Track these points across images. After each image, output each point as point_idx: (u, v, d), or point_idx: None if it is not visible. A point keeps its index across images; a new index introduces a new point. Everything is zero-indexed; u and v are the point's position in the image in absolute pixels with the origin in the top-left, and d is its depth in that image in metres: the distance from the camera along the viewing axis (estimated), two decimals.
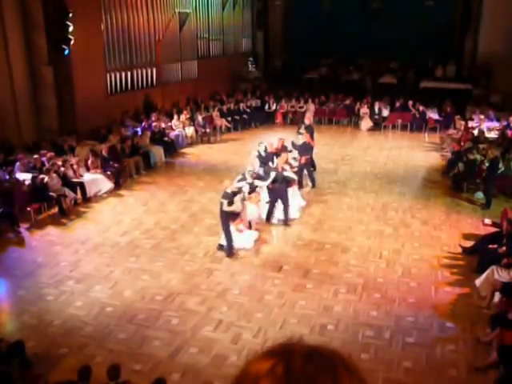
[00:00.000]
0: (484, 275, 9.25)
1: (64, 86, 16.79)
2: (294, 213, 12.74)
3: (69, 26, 16.15)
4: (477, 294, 9.22)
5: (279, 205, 12.39)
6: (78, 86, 16.98)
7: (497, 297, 8.72)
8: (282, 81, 26.96)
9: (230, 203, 10.61)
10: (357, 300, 9.15)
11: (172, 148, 18.63)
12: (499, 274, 9.04)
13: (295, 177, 13.05)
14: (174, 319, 8.63)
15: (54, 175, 13.42)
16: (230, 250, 10.85)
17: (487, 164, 14.04)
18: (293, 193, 12.90)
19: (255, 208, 12.07)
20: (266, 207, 12.50)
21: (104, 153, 15.13)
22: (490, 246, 10.23)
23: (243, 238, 11.14)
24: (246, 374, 1.11)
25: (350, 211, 13.25)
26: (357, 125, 22.47)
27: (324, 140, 20.58)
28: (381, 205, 13.61)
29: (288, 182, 12.55)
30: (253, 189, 12.06)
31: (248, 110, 22.79)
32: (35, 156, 14.23)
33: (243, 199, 11.15)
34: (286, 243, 11.49)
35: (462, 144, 16.68)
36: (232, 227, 10.87)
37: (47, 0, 15.99)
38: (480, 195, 13.95)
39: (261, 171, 13.11)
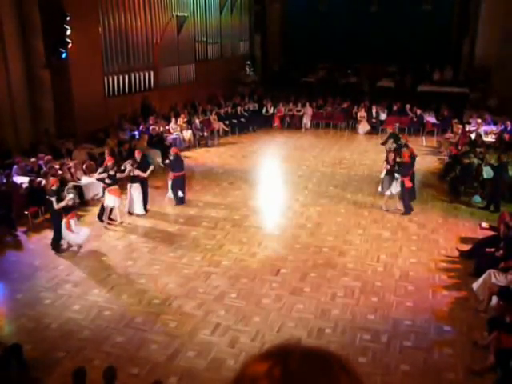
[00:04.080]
0: (481, 279, 9.26)
1: (61, 89, 16.79)
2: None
3: (66, 29, 16.14)
4: (474, 298, 9.23)
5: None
6: (75, 89, 16.97)
7: (494, 300, 8.73)
8: (279, 84, 26.99)
9: (59, 200, 11.00)
10: (354, 303, 9.15)
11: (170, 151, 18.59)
12: (496, 278, 9.05)
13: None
14: (172, 323, 8.62)
15: (52, 178, 13.38)
16: (56, 244, 11.31)
17: (489, 169, 14.05)
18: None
19: (115, 199, 12.60)
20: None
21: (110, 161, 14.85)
22: (487, 250, 10.24)
23: (74, 234, 11.25)
24: (243, 375, 1.11)
25: (348, 215, 13.26)
26: (354, 128, 22.49)
27: (321, 143, 20.63)
28: (378, 208, 13.62)
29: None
30: (115, 181, 12.65)
31: (245, 114, 22.79)
32: (32, 159, 14.22)
33: (72, 194, 11.32)
34: (284, 247, 11.49)
35: (460, 148, 16.71)
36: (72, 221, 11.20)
37: (45, 3, 15.99)
38: (477, 199, 13.98)
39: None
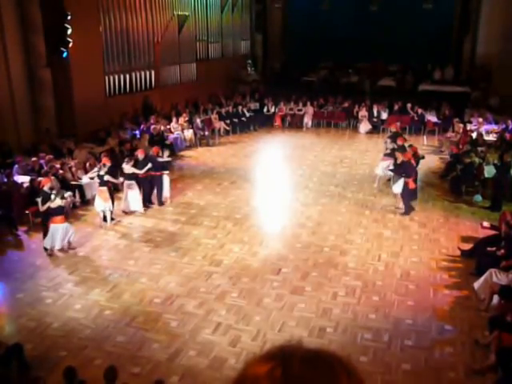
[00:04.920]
0: (482, 278, 9.26)
1: (62, 88, 16.79)
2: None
3: (67, 28, 16.14)
4: (475, 297, 9.23)
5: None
6: (76, 88, 16.97)
7: (495, 299, 8.73)
8: (280, 83, 26.98)
9: (44, 201, 10.96)
10: (355, 303, 9.15)
11: (171, 151, 18.59)
12: (498, 277, 9.05)
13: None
14: (173, 322, 8.62)
15: (53, 178, 13.38)
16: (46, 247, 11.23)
17: (490, 168, 14.04)
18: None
19: (100, 202, 12.51)
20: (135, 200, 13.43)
21: (105, 162, 14.71)
22: (489, 249, 10.23)
23: (55, 238, 11.16)
24: (244, 376, 1.11)
25: (349, 214, 13.25)
26: (355, 128, 22.48)
27: (322, 143, 20.63)
28: (379, 207, 13.61)
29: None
30: (104, 182, 12.52)
31: (247, 113, 22.78)
32: (33, 159, 14.20)
33: (61, 197, 11.18)
34: (285, 246, 11.49)
35: (461, 147, 16.70)
36: (57, 227, 11.05)
37: (46, 2, 15.98)
38: (479, 198, 13.97)
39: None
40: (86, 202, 13.98)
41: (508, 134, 17.72)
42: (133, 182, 13.26)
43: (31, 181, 12.96)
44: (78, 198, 13.85)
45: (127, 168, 13.23)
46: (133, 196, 13.33)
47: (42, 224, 11.60)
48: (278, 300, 9.24)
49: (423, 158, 14.56)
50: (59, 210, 11.05)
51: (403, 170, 13.02)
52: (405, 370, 7.42)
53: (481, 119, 19.70)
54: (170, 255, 11.07)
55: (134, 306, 9.12)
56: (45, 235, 11.25)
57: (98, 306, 9.15)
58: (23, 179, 13.33)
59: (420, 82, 25.57)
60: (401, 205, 13.29)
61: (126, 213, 13.31)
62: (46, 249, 11.20)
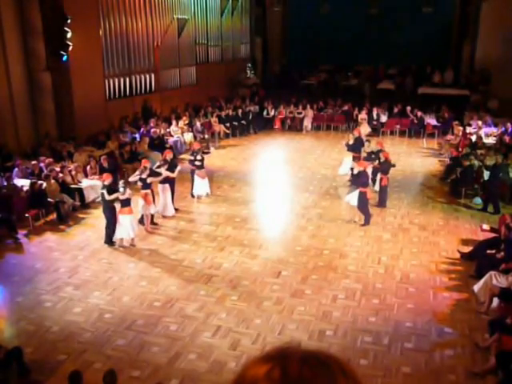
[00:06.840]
0: (482, 281, 9.26)
1: (62, 91, 16.80)
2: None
3: (67, 31, 16.16)
4: (475, 300, 9.23)
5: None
6: (76, 91, 16.98)
7: (495, 302, 8.73)
8: (280, 87, 27.02)
9: (110, 192, 11.34)
10: (355, 306, 9.15)
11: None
12: (497, 280, 9.05)
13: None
14: (173, 325, 8.62)
15: (53, 181, 13.40)
16: (109, 238, 11.68)
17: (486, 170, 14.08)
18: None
19: (151, 204, 12.56)
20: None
21: (104, 164, 14.75)
22: (488, 252, 10.24)
23: (126, 228, 11.45)
24: (243, 378, 1.12)
25: (349, 217, 13.24)
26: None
27: (322, 146, 20.64)
28: (379, 210, 13.60)
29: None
30: (148, 185, 12.49)
31: (246, 116, 22.79)
32: (33, 162, 14.22)
33: (124, 187, 11.42)
34: (285, 249, 11.48)
35: (460, 150, 16.72)
36: (125, 217, 11.43)
37: (46, 6, 16.00)
38: (478, 201, 13.97)
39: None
40: (86, 206, 13.98)
41: (507, 136, 17.74)
42: (166, 186, 13.18)
43: (31, 184, 12.96)
44: (77, 202, 13.84)
45: (162, 171, 13.11)
46: (168, 199, 13.27)
47: (105, 216, 11.77)
48: (278, 303, 9.24)
49: (394, 166, 14.37)
50: (127, 202, 11.50)
51: (361, 179, 12.65)
52: (405, 373, 7.41)
53: (480, 122, 19.73)
54: (170, 258, 11.06)
55: (133, 310, 9.11)
56: (109, 227, 11.61)
57: (97, 309, 9.14)
58: (23, 182, 13.34)
59: (419, 85, 25.61)
60: (357, 218, 12.88)
61: (164, 217, 13.22)
62: (110, 241, 11.63)
